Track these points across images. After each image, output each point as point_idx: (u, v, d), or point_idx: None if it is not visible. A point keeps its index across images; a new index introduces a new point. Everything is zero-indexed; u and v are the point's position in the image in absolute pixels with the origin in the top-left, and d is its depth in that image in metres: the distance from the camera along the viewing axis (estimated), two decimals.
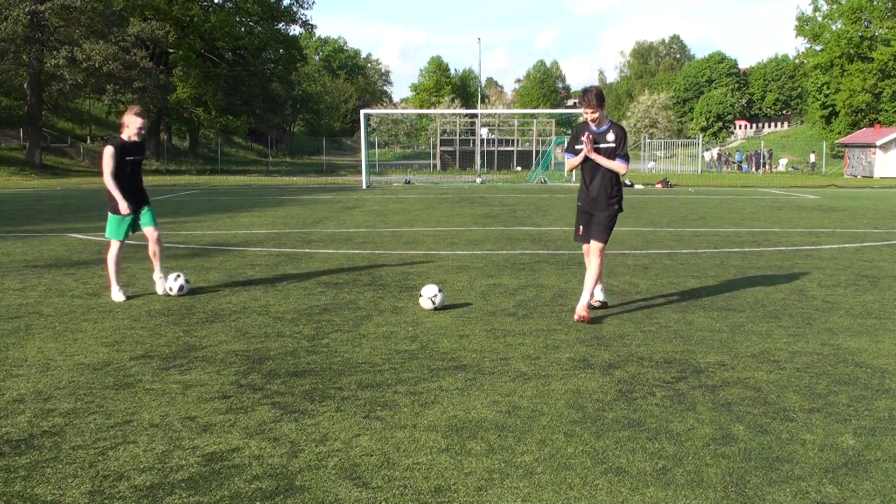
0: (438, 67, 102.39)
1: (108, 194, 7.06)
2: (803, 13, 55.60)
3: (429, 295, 6.61)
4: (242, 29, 46.99)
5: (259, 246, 11.10)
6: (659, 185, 30.17)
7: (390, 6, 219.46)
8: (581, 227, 6.54)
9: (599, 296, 6.76)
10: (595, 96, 6.12)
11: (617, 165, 6.24)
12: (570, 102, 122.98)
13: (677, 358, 5.18)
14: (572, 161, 6.44)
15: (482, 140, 44.70)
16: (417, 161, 55.70)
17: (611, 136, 6.25)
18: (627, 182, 30.41)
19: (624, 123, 72.59)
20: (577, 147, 6.37)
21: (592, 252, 6.36)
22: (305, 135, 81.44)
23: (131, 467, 3.40)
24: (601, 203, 6.34)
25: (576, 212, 6.66)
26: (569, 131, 73.91)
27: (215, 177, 37.02)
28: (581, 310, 6.16)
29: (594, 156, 6.22)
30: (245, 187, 29.00)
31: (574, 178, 35.25)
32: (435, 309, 6.58)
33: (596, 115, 6.19)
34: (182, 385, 4.56)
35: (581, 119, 6.49)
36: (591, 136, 6.25)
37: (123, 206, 6.90)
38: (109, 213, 7.16)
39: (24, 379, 4.67)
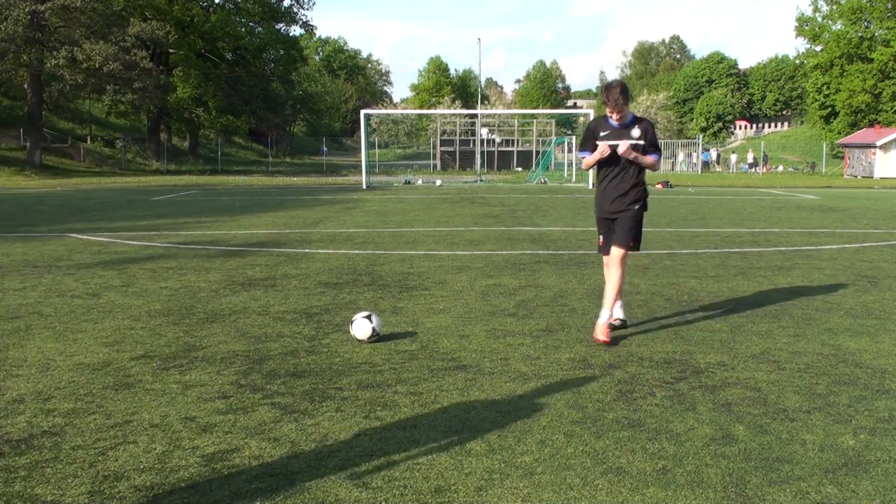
0: (438, 68, 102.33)
1: None
2: (803, 14, 55.66)
3: (362, 316, 5.60)
4: (243, 29, 46.96)
5: (259, 246, 11.10)
6: (659, 186, 30.15)
7: (390, 4, 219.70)
8: (602, 237, 5.97)
9: (619, 313, 5.90)
10: (621, 93, 5.56)
11: (651, 160, 5.76)
12: (571, 103, 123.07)
13: (677, 358, 5.18)
14: (590, 159, 5.83)
15: (482, 140, 44.66)
16: (417, 161, 55.70)
17: (636, 132, 5.71)
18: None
19: None
20: (597, 143, 5.78)
21: (612, 261, 5.73)
22: (306, 135, 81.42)
23: (131, 467, 3.40)
24: (622, 203, 5.79)
25: (595, 223, 6.09)
26: (569, 131, 73.95)
27: (216, 177, 37.01)
28: (600, 332, 5.51)
29: (633, 155, 5.65)
30: (248, 187, 29.01)
31: (574, 178, 35.23)
32: (373, 329, 5.51)
33: (621, 113, 5.66)
34: (182, 385, 4.56)
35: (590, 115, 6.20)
36: (614, 134, 5.72)
37: None
38: None
39: (24, 379, 4.68)
